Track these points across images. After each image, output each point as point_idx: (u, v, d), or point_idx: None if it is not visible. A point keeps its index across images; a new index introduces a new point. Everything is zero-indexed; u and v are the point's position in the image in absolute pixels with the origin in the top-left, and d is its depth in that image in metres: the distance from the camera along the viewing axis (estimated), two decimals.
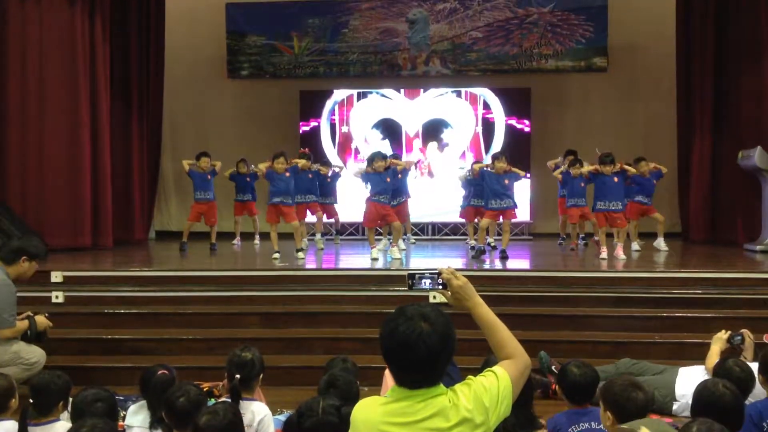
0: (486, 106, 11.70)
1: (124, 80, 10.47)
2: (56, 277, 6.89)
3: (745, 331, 4.85)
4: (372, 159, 8.47)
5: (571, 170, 9.11)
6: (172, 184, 12.23)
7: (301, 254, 8.33)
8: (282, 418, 3.81)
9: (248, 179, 10.26)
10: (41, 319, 5.38)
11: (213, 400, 3.77)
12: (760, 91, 9.43)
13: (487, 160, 9.65)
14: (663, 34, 10.99)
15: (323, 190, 10.07)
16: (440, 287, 2.36)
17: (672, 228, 10.66)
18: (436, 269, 2.38)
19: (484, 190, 8.80)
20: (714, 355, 4.69)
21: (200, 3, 11.94)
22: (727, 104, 10.09)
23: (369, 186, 8.43)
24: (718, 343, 4.79)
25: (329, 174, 10.27)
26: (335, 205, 10.49)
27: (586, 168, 8.80)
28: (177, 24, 11.54)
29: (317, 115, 11.83)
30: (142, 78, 10.92)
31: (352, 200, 10.95)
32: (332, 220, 10.72)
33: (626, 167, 8.78)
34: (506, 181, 8.42)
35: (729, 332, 4.84)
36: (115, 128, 10.01)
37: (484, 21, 11.71)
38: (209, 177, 9.68)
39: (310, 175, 9.50)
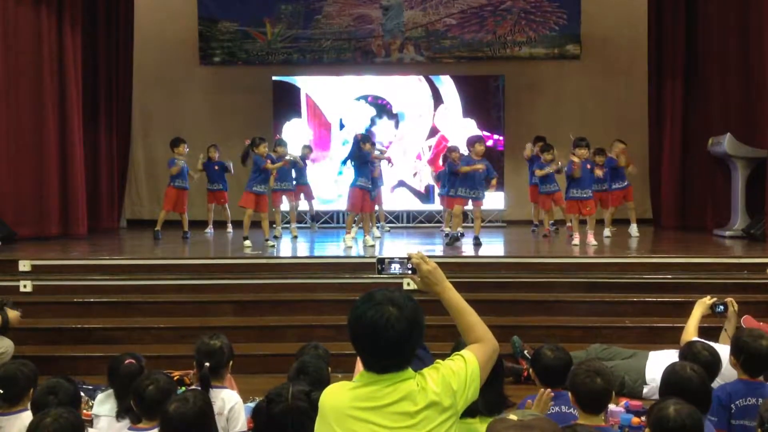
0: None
1: (93, 67, 10.30)
2: (24, 266, 6.79)
3: (729, 299, 4.78)
4: (366, 140, 8.44)
5: (541, 156, 9.20)
6: (144, 172, 12.08)
7: (270, 243, 8.31)
8: (254, 405, 3.79)
9: (216, 167, 10.16)
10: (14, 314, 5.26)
11: (183, 389, 3.74)
12: (729, 79, 9.54)
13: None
14: (635, 22, 11.07)
15: (298, 173, 10.07)
16: (410, 272, 2.36)
17: (643, 214, 10.78)
18: (406, 254, 2.37)
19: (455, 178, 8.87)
20: (695, 319, 4.65)
21: None
22: (697, 92, 10.19)
23: (353, 167, 8.38)
24: (701, 307, 4.70)
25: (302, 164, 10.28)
26: (310, 185, 10.48)
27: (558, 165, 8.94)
28: (147, 10, 11.37)
29: (291, 102, 11.74)
30: (111, 65, 10.75)
31: (326, 188, 10.94)
32: (307, 208, 10.69)
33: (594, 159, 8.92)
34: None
35: (714, 298, 4.81)
36: (84, 115, 9.83)
37: (458, 8, 11.68)
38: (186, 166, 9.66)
39: (286, 165, 9.54)
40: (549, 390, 3.27)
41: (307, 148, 10.44)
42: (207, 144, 10.43)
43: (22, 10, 8.78)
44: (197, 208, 10.33)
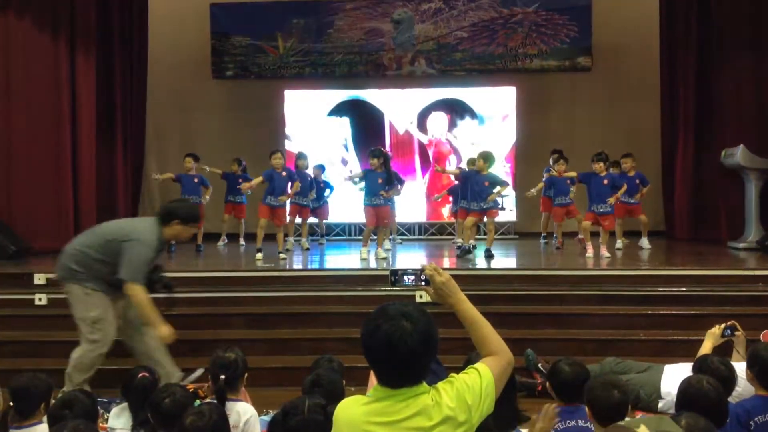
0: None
1: (107, 82, 10.35)
2: (39, 279, 6.83)
3: (732, 322, 4.82)
4: (371, 155, 8.54)
5: (554, 167, 9.24)
6: (157, 187, 12.13)
7: (282, 255, 8.34)
8: (268, 418, 3.79)
9: (240, 181, 10.20)
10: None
11: (198, 402, 3.75)
12: (742, 90, 9.52)
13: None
14: (647, 34, 11.05)
15: (316, 194, 10.17)
16: (423, 284, 2.36)
17: (656, 226, 10.72)
18: (419, 266, 2.37)
19: (464, 191, 8.92)
20: (706, 351, 4.66)
21: (184, 3, 11.87)
22: (710, 103, 10.14)
23: (363, 184, 8.50)
24: (711, 338, 4.74)
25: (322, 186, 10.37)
26: (327, 206, 10.58)
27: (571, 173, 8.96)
28: (161, 25, 11.46)
29: (303, 116, 11.81)
30: (125, 79, 10.82)
31: (338, 201, 10.97)
32: (316, 220, 10.74)
33: (569, 174, 8.96)
34: (486, 183, 8.43)
35: (722, 326, 4.81)
36: (98, 129, 9.92)
37: (469, 21, 11.72)
38: (196, 180, 9.66)
39: (308, 178, 9.60)
40: (554, 405, 3.22)
41: (319, 168, 10.47)
42: (219, 158, 10.48)
43: (38, 34, 8.93)
44: (210, 221, 10.37)
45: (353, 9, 11.80)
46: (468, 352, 3.78)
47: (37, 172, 8.91)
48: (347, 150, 11.76)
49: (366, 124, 11.80)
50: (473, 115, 11.69)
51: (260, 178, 8.68)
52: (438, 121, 11.79)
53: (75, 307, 5.08)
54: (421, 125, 11.78)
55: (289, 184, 8.96)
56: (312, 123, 11.78)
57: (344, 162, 11.71)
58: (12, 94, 8.77)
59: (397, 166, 10.63)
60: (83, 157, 9.45)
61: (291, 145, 11.42)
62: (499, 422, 2.42)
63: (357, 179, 8.80)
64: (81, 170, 9.43)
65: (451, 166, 11.28)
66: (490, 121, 11.67)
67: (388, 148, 11.36)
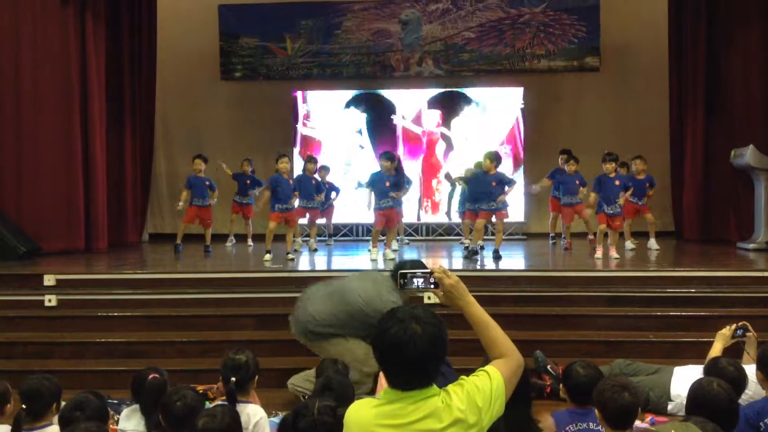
0: None
1: (116, 82, 10.41)
2: (49, 280, 6.87)
3: (743, 322, 4.77)
4: (382, 157, 8.56)
5: (566, 167, 9.22)
6: (166, 187, 12.19)
7: (290, 256, 8.35)
8: (277, 420, 3.80)
9: (248, 182, 10.23)
10: None
11: (208, 403, 3.76)
12: (751, 90, 9.47)
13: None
14: (655, 34, 11.03)
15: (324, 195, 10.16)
16: (432, 286, 2.36)
17: (665, 227, 10.69)
18: (427, 268, 2.37)
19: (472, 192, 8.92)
20: (716, 353, 4.64)
21: (193, 4, 11.91)
22: (719, 103, 10.11)
23: (371, 188, 8.50)
24: (721, 340, 4.69)
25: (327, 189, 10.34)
26: (332, 207, 10.59)
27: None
28: (169, 26, 11.51)
29: (311, 117, 11.83)
30: (135, 80, 10.87)
31: (346, 202, 10.99)
32: (323, 221, 10.74)
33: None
34: (494, 184, 8.41)
35: (733, 327, 4.78)
36: (107, 131, 9.96)
37: (476, 21, 11.72)
38: (207, 183, 9.67)
39: (313, 182, 9.54)
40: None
41: (324, 170, 10.46)
42: (227, 158, 10.51)
43: (50, 24, 8.94)
44: (218, 222, 10.39)
45: (361, 10, 11.82)
46: (478, 354, 3.78)
47: (48, 174, 8.92)
48: (361, 134, 11.81)
49: (376, 118, 11.85)
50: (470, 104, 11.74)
51: (267, 193, 8.63)
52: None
53: (344, 356, 5.05)
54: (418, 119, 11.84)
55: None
56: (320, 123, 11.80)
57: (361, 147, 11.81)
58: (20, 74, 8.73)
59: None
60: (91, 157, 9.46)
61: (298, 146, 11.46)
62: (512, 430, 2.40)
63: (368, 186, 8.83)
64: (91, 172, 9.45)
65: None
66: (497, 121, 11.66)
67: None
